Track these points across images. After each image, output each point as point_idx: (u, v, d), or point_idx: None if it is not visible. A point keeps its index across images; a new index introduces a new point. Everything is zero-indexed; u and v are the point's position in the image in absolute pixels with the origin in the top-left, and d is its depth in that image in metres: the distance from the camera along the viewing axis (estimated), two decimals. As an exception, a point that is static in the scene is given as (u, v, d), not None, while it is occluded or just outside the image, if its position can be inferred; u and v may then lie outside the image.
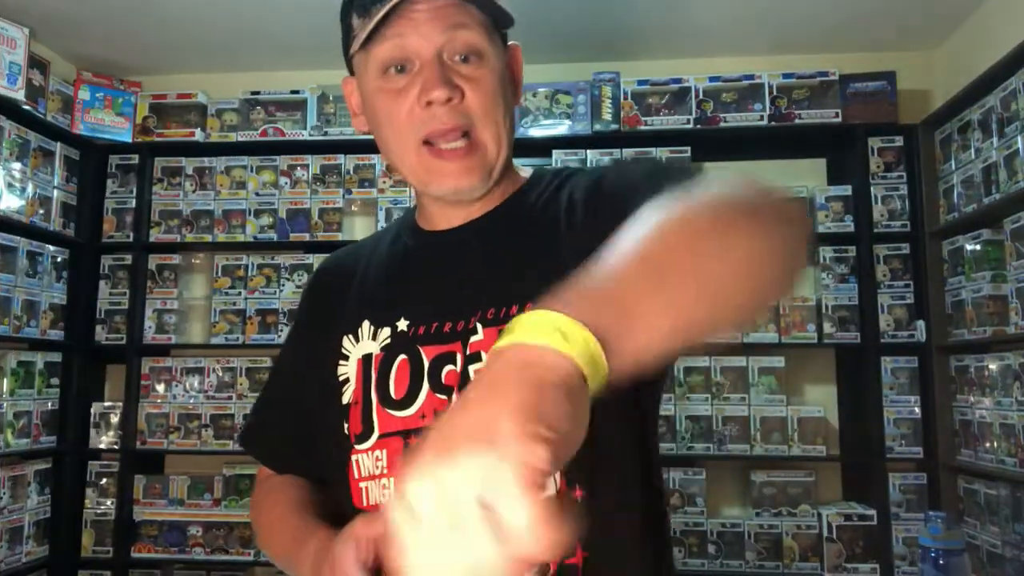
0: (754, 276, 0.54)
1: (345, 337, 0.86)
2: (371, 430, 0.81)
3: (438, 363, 0.79)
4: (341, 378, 0.85)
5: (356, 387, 0.84)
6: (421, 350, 0.80)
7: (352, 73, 0.86)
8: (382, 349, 0.82)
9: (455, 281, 0.82)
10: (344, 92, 0.89)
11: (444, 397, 0.77)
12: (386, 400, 0.81)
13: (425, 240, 0.87)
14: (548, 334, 0.43)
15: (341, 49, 0.85)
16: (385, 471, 0.79)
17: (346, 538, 0.73)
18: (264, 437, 0.99)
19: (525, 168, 0.90)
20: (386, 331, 0.83)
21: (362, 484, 0.82)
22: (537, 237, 0.81)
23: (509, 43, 0.86)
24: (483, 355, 0.77)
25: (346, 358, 0.86)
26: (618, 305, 0.47)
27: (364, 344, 0.84)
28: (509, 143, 0.82)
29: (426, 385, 0.78)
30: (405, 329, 0.82)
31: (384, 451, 0.80)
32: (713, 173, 0.70)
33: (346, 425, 0.83)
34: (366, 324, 0.85)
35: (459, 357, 0.78)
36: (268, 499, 0.95)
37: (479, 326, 0.77)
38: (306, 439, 0.90)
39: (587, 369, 0.43)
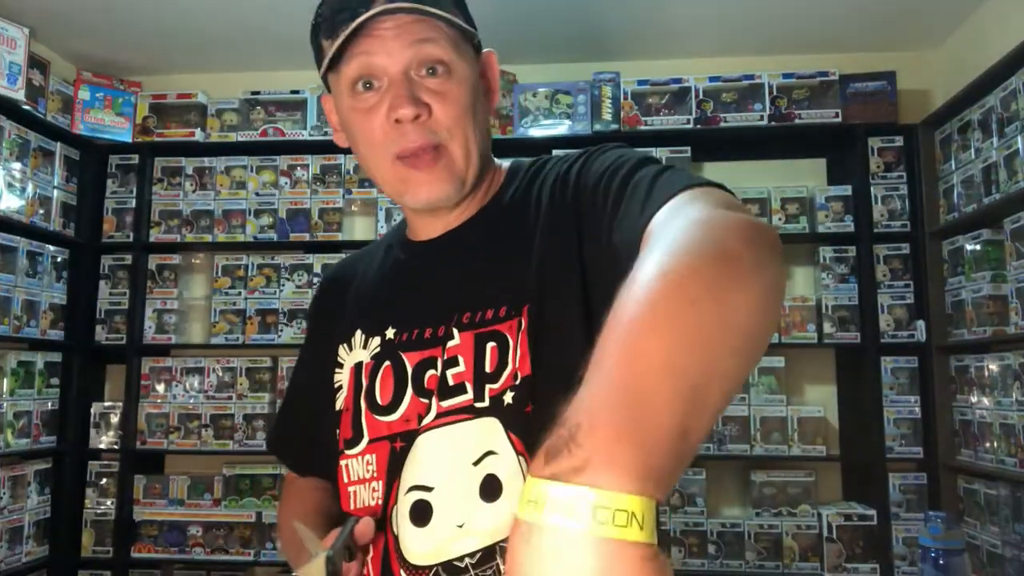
0: (753, 347, 0.49)
1: (340, 346, 0.89)
2: (360, 435, 0.84)
3: (420, 368, 0.81)
4: (336, 385, 0.89)
5: (347, 394, 0.86)
6: (404, 356, 0.82)
7: (329, 91, 0.87)
8: (372, 357, 0.85)
9: (434, 289, 0.84)
10: (324, 110, 0.90)
11: (425, 400, 0.79)
12: (373, 406, 0.83)
13: (411, 251, 0.90)
14: (627, 528, 0.38)
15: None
16: (375, 474, 0.82)
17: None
18: (286, 442, 1.03)
19: (502, 165, 0.91)
20: (376, 340, 0.86)
21: (351, 488, 0.84)
22: (509, 239, 0.82)
23: (484, 50, 0.87)
24: (460, 359, 0.78)
25: (340, 366, 0.89)
26: (661, 438, 0.41)
27: (356, 353, 0.87)
28: (481, 152, 0.82)
29: (410, 390, 0.81)
30: (392, 338, 0.84)
31: (374, 455, 0.82)
32: (673, 177, 0.66)
33: (336, 431, 0.86)
34: (358, 333, 0.88)
35: (439, 362, 0.79)
36: (289, 503, 0.99)
37: (455, 331, 0.79)
38: (319, 443, 0.93)
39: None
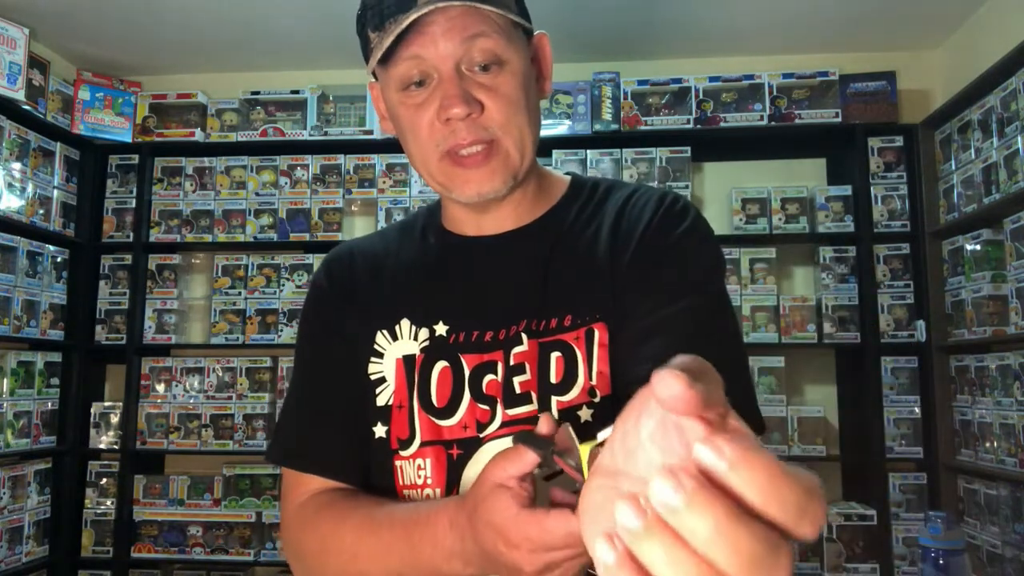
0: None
1: (379, 333, 0.83)
2: (413, 437, 0.79)
3: (479, 372, 0.77)
4: (374, 377, 0.82)
5: (398, 389, 0.81)
6: (462, 358, 0.79)
7: (376, 79, 0.84)
8: (421, 351, 0.81)
9: (496, 290, 0.81)
10: (371, 96, 0.87)
11: (486, 407, 0.76)
12: (428, 407, 0.79)
13: (457, 244, 0.85)
14: None
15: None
16: (429, 481, 0.77)
17: (488, 492, 0.60)
18: (318, 442, 0.84)
19: (560, 176, 0.89)
20: (424, 332, 0.81)
21: (405, 492, 0.79)
22: (579, 254, 0.80)
23: (535, 33, 0.83)
24: (527, 367, 0.75)
25: (380, 355, 0.82)
26: None
27: (403, 344, 0.82)
28: (533, 144, 0.80)
29: (467, 394, 0.77)
30: (444, 335, 0.80)
31: (428, 460, 0.77)
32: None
33: (386, 428, 0.80)
34: (405, 322, 0.82)
35: (500, 366, 0.77)
36: (324, 515, 0.79)
37: (524, 336, 0.76)
38: (354, 438, 0.82)
39: None
